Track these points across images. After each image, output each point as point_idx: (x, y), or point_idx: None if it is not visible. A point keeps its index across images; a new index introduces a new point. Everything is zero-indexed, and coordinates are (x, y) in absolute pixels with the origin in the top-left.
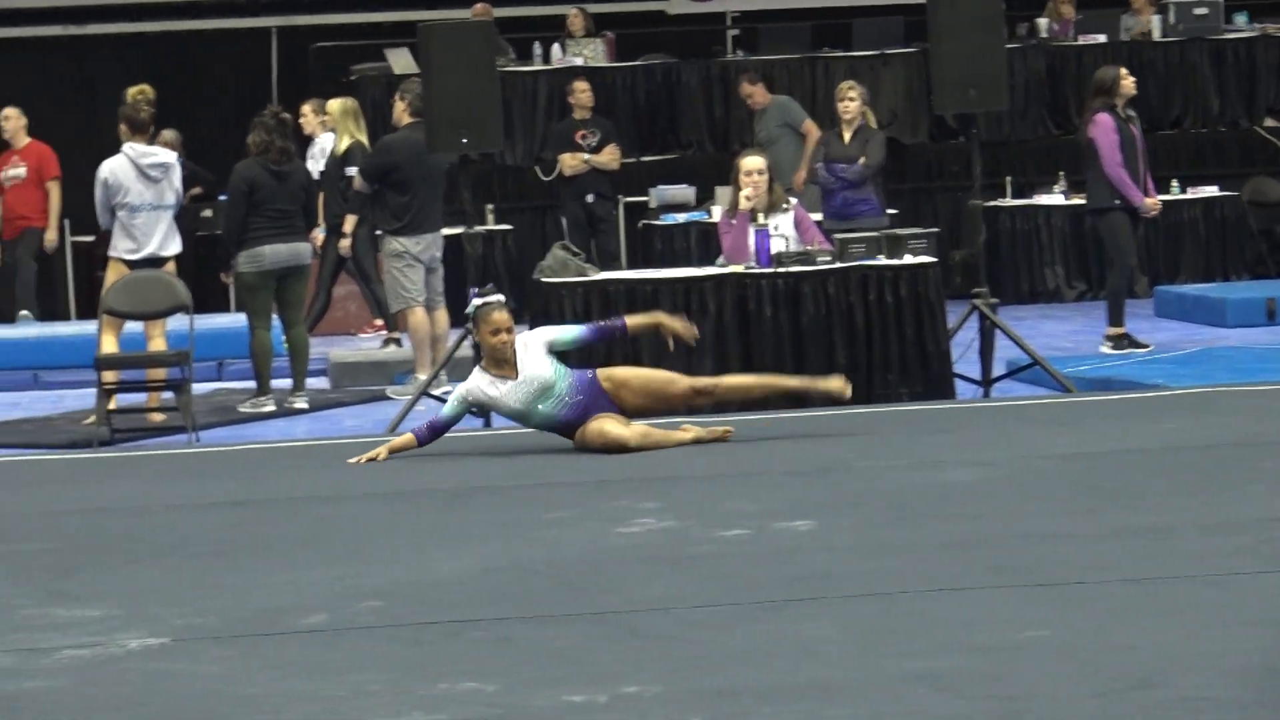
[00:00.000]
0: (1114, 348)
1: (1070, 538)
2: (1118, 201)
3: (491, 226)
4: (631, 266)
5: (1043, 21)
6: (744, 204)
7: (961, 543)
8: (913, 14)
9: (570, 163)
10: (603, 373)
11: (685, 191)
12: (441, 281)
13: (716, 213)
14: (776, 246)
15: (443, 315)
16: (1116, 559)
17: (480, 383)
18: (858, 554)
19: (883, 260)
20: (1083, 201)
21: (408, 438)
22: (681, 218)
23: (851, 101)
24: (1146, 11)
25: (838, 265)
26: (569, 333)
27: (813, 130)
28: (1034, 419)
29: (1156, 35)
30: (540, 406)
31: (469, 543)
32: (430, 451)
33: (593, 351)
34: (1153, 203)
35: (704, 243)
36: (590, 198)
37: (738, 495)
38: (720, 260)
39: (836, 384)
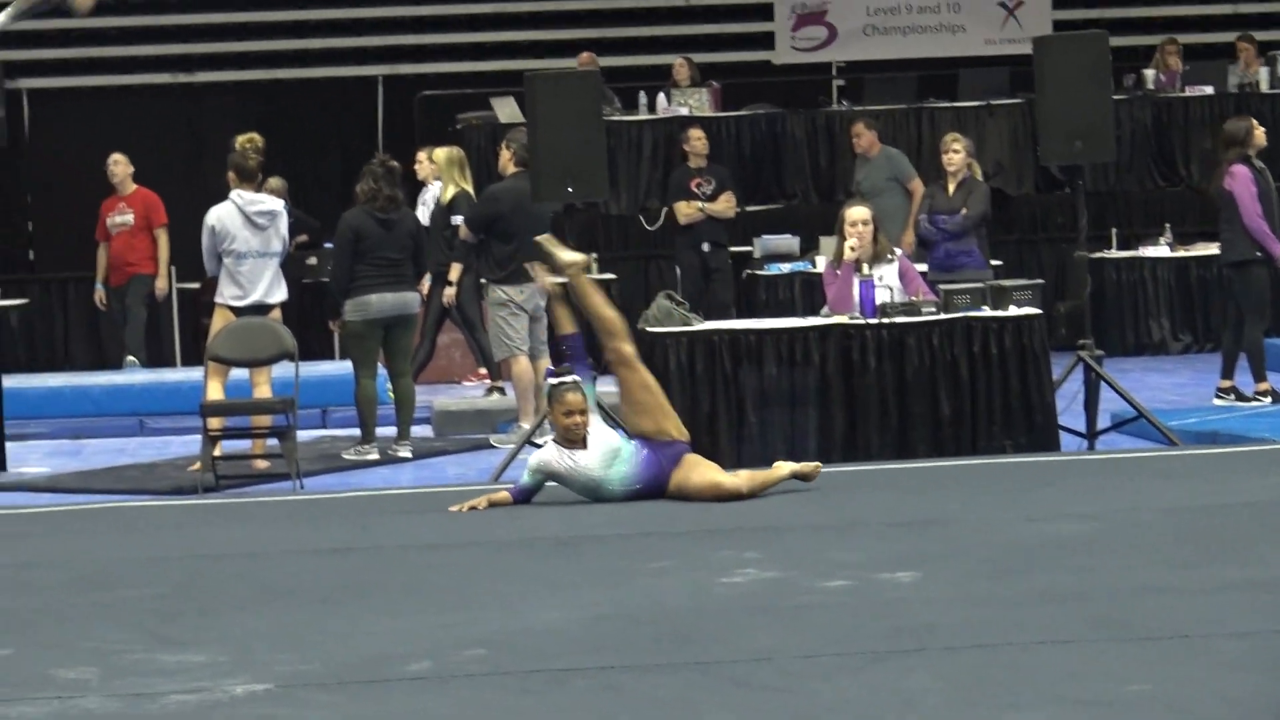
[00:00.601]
0: (1274, 400)
1: (1175, 591)
2: (1259, 254)
3: (596, 275)
4: (736, 317)
5: (1149, 73)
6: (849, 254)
7: (1065, 596)
8: (1018, 65)
9: (685, 211)
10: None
11: (789, 242)
12: (545, 330)
13: (821, 263)
14: (881, 297)
15: (546, 364)
16: (1221, 613)
17: (552, 456)
18: (960, 606)
19: (987, 312)
20: (1189, 254)
21: (504, 494)
22: (786, 268)
23: (956, 154)
24: (1254, 63)
25: (942, 316)
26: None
27: (919, 189)
28: (1139, 472)
29: (1264, 86)
30: (614, 470)
31: (573, 591)
32: (534, 500)
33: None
34: None
35: (808, 293)
36: (706, 246)
37: (841, 546)
38: (825, 311)
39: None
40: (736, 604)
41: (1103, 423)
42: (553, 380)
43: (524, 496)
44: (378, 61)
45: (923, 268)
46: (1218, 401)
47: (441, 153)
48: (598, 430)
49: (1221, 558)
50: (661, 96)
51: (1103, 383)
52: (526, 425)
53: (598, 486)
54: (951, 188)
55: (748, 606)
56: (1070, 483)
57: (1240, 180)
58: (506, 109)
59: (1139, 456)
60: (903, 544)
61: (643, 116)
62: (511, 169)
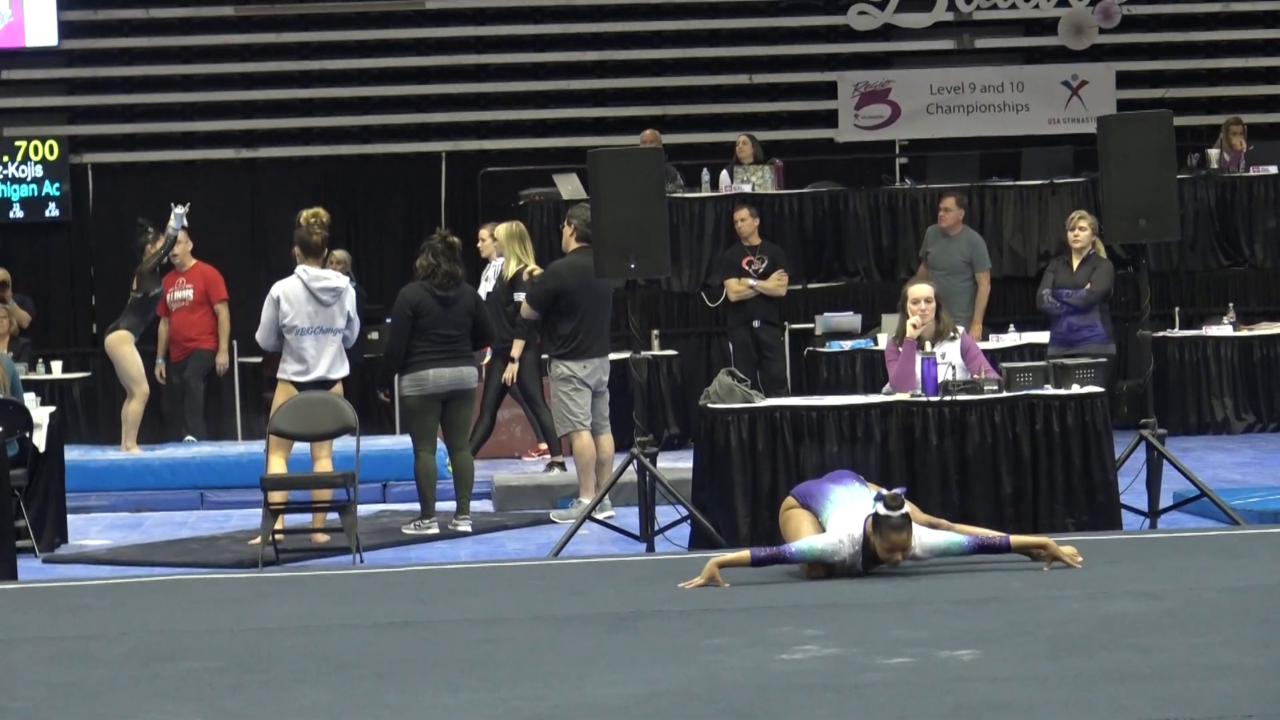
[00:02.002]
0: None
1: (1239, 670)
2: None
3: (657, 352)
4: (797, 393)
5: (1213, 152)
6: (911, 332)
7: (1128, 675)
8: (1082, 143)
9: (736, 288)
10: None
11: (851, 319)
12: (607, 405)
13: (883, 340)
14: (943, 375)
15: (608, 439)
16: None
17: (840, 549)
18: (1022, 684)
19: (1050, 390)
20: (1252, 333)
21: (743, 555)
22: (847, 345)
23: (1082, 230)
24: None
25: (1005, 394)
26: (953, 543)
27: (986, 281)
28: (1201, 551)
29: None
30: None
31: (632, 667)
32: (593, 576)
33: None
34: None
35: (869, 370)
36: (757, 323)
37: (901, 623)
38: (886, 388)
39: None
40: (796, 681)
41: (1165, 501)
42: (882, 509)
43: (777, 561)
44: (441, 138)
45: (1041, 338)
46: None
47: (503, 228)
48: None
49: None
50: (724, 174)
51: (1165, 461)
52: (587, 500)
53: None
54: (1076, 263)
55: (807, 684)
56: (1132, 561)
57: None
58: (569, 185)
59: (1202, 535)
60: (964, 622)
61: (705, 194)
62: (574, 245)
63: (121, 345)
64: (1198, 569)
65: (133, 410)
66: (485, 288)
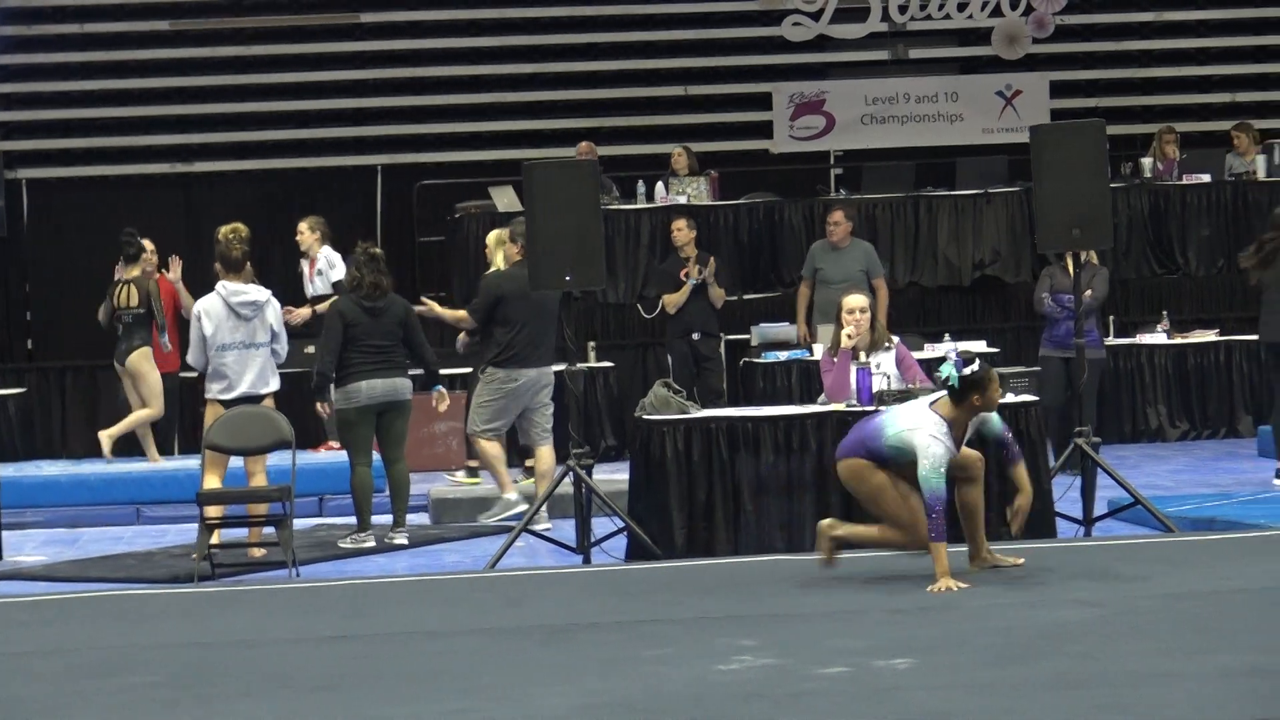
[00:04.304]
0: None
1: (1176, 677)
2: None
3: (593, 364)
4: (733, 404)
5: (1146, 161)
6: (846, 342)
7: (1066, 682)
8: (1016, 153)
9: (673, 300)
10: None
11: (787, 329)
12: (549, 418)
13: (818, 351)
14: (878, 385)
15: (548, 451)
16: (1223, 699)
17: (944, 438)
18: (958, 693)
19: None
20: (1186, 341)
21: (942, 547)
22: (783, 356)
23: None
24: (1251, 151)
25: None
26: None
27: (884, 289)
28: (1137, 558)
29: (1261, 175)
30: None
31: (571, 679)
32: (530, 589)
33: None
34: None
35: (805, 381)
36: (696, 335)
37: (839, 633)
38: (822, 398)
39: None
40: (733, 691)
41: (1099, 509)
42: (974, 368)
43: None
44: (377, 151)
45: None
46: (1278, 483)
47: (492, 235)
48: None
49: (1221, 644)
50: (660, 185)
51: (1100, 469)
52: (509, 495)
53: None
54: (1072, 268)
55: (745, 694)
56: (1068, 569)
57: None
58: (505, 198)
59: (1136, 543)
60: (902, 631)
61: (641, 205)
62: (517, 257)
63: (144, 362)
64: (1133, 577)
65: (144, 419)
66: (320, 283)
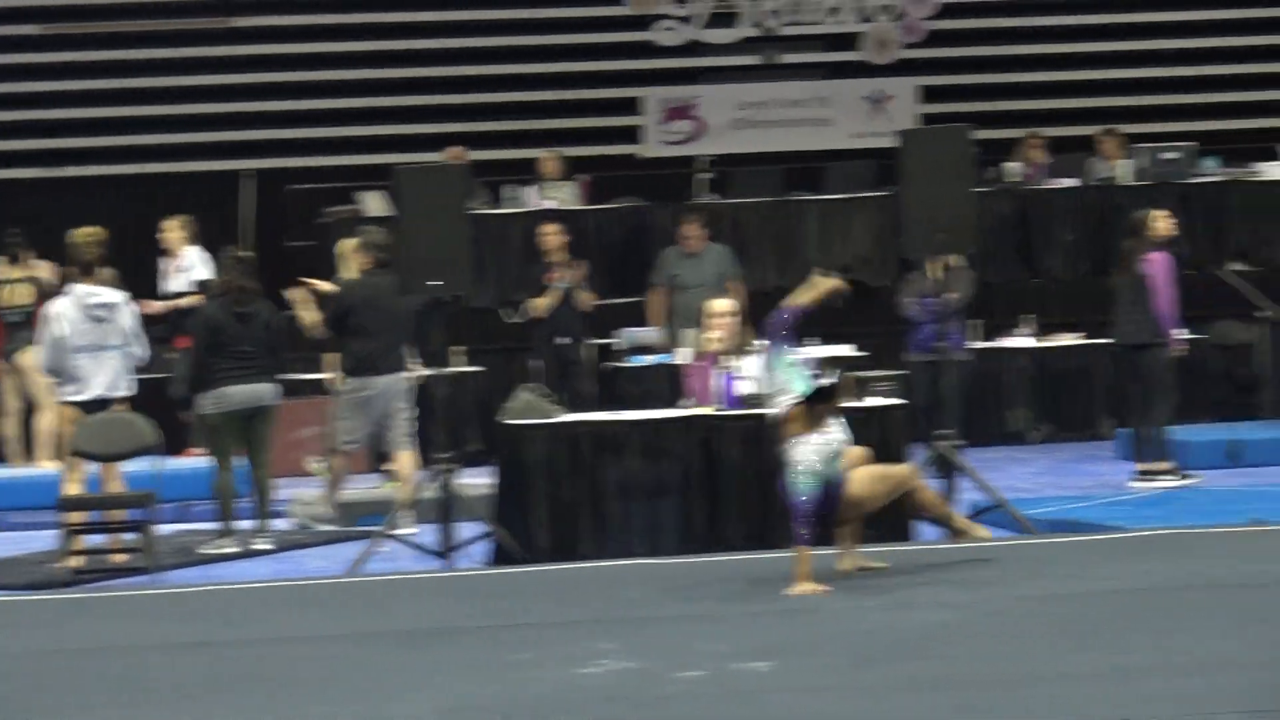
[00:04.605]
0: (1169, 479)
1: (1035, 678)
2: (1159, 338)
3: (461, 369)
4: (599, 408)
5: (1013, 166)
6: (712, 346)
7: (926, 684)
8: (884, 158)
9: (540, 304)
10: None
11: (653, 334)
12: (406, 422)
13: (683, 355)
14: (743, 389)
15: (409, 456)
16: (1081, 700)
17: (816, 447)
18: (819, 695)
19: (849, 402)
20: (1050, 344)
21: (804, 551)
22: (649, 360)
23: None
24: (1116, 156)
25: None
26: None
27: (741, 290)
28: (998, 561)
29: (1126, 180)
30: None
31: (432, 684)
32: (393, 593)
33: None
34: (1181, 344)
35: (671, 385)
36: (563, 340)
37: (700, 636)
38: (687, 402)
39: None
40: (595, 695)
41: (962, 512)
42: (826, 381)
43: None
44: (246, 155)
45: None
46: (1135, 485)
47: (348, 242)
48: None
49: (1081, 645)
50: (529, 190)
51: (962, 472)
52: (323, 509)
53: (840, 453)
54: (938, 272)
55: (606, 697)
56: (930, 571)
57: (1159, 265)
58: (374, 203)
59: (997, 545)
60: (763, 633)
61: (509, 210)
62: (365, 265)
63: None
64: (994, 579)
65: (52, 426)
66: (177, 282)
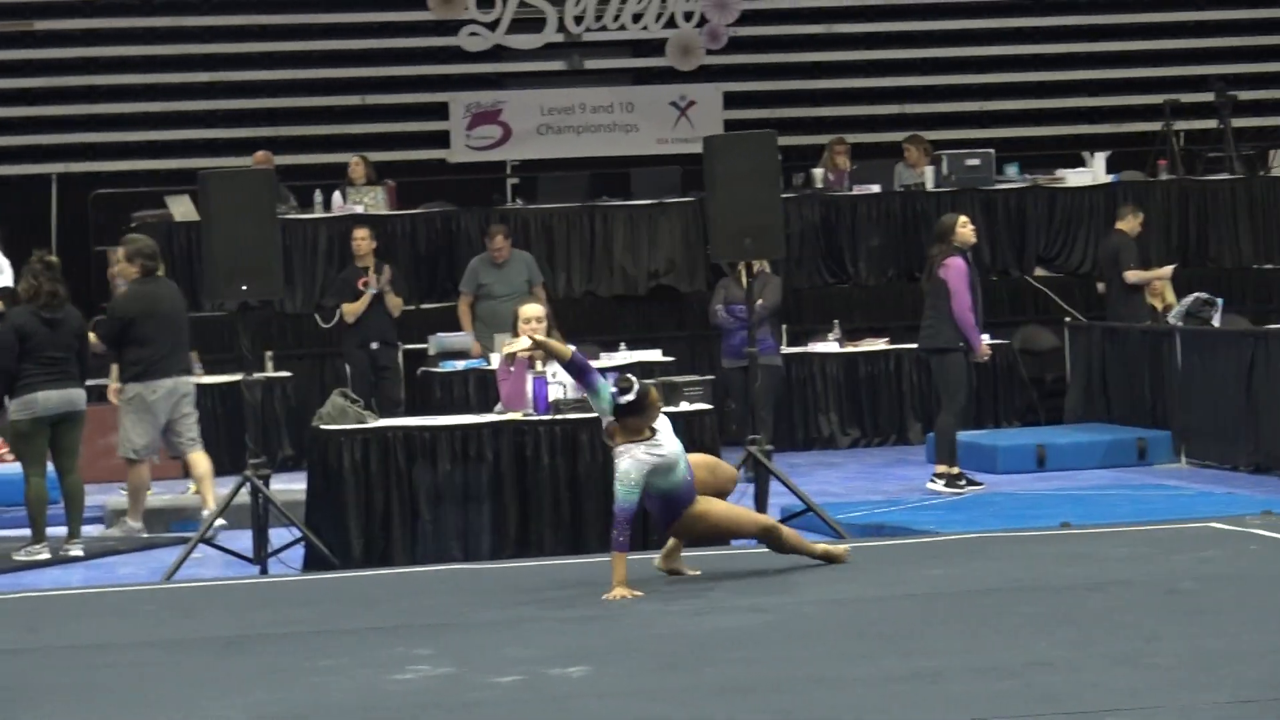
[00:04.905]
0: (947, 485)
1: (842, 683)
2: (960, 344)
3: (271, 374)
4: (410, 414)
5: (818, 172)
6: (522, 351)
7: (734, 688)
8: (690, 164)
9: (351, 309)
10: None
11: (464, 339)
12: (194, 425)
13: (495, 360)
14: (554, 394)
15: (201, 457)
16: (884, 703)
17: (642, 457)
18: (630, 700)
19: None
20: (857, 350)
21: (620, 556)
22: (460, 365)
23: None
24: (920, 163)
25: None
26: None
27: (542, 294)
28: (806, 565)
29: (930, 186)
30: (683, 460)
31: (243, 691)
32: (205, 600)
33: None
34: (985, 348)
35: (482, 390)
36: (374, 344)
37: (512, 641)
38: (498, 408)
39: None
40: (407, 701)
41: (773, 516)
42: (632, 397)
43: (632, 525)
44: (51, 159)
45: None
46: (934, 486)
47: (123, 249)
48: (661, 422)
49: (887, 649)
50: (337, 195)
51: (773, 476)
52: (133, 523)
53: (675, 466)
54: (745, 278)
55: (419, 703)
56: (739, 576)
57: (955, 271)
58: (181, 207)
59: None
60: (574, 639)
61: (318, 215)
62: (134, 274)
63: None
64: (801, 583)
65: None
66: None
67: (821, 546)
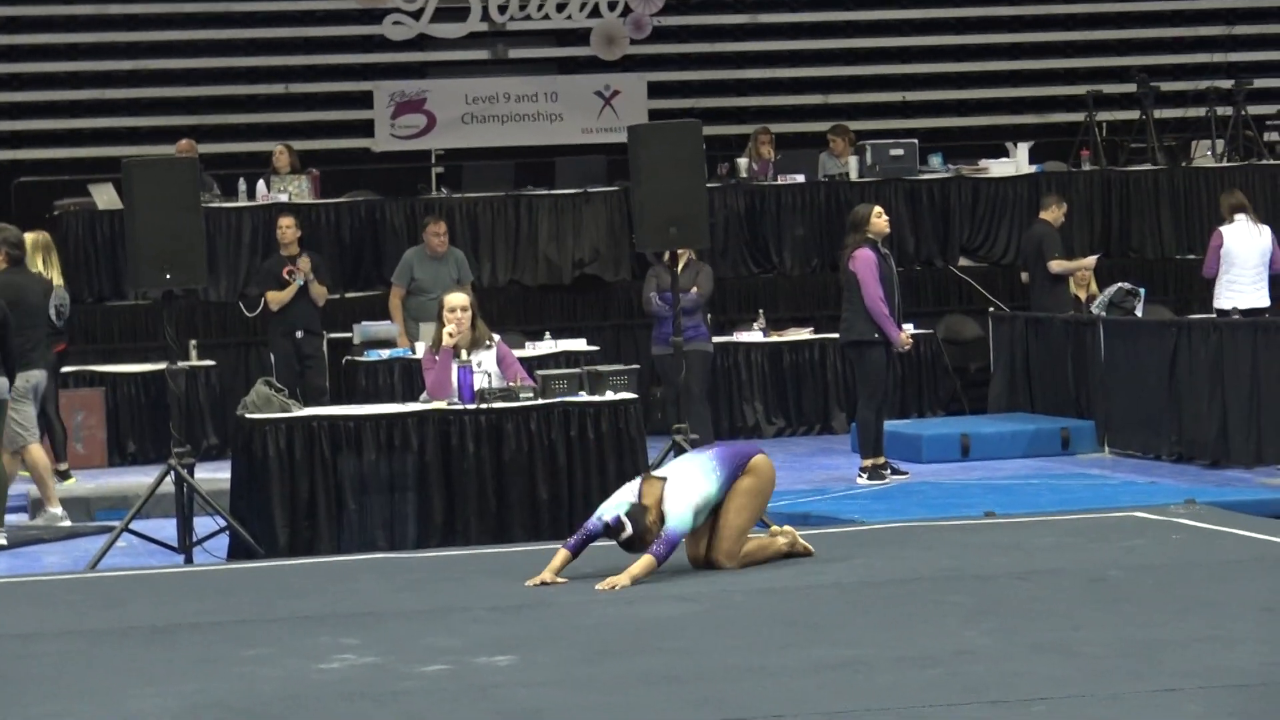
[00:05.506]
0: (870, 477)
1: (766, 671)
2: (876, 335)
3: (195, 362)
4: (335, 403)
5: (742, 161)
6: (447, 340)
7: (661, 677)
8: (615, 153)
9: (276, 298)
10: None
11: (389, 328)
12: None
13: (420, 349)
14: (479, 383)
15: (39, 450)
16: (811, 693)
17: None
18: (558, 689)
19: (585, 397)
20: (782, 339)
21: (563, 554)
22: (385, 354)
23: None
24: (845, 153)
25: (540, 402)
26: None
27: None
28: None
29: (854, 176)
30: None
31: (168, 680)
32: (130, 589)
33: None
34: (906, 338)
35: (408, 379)
36: (299, 333)
37: (439, 631)
38: (423, 397)
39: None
40: (333, 690)
41: None
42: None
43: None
44: None
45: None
46: (860, 480)
47: (29, 237)
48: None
49: (813, 638)
50: (261, 183)
51: None
52: (54, 509)
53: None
54: (678, 267)
55: (345, 693)
56: (667, 566)
57: (864, 263)
58: (105, 195)
59: None
60: (501, 628)
61: (242, 203)
62: (1, 265)
63: None
64: (727, 572)
65: None
66: None
67: (782, 541)
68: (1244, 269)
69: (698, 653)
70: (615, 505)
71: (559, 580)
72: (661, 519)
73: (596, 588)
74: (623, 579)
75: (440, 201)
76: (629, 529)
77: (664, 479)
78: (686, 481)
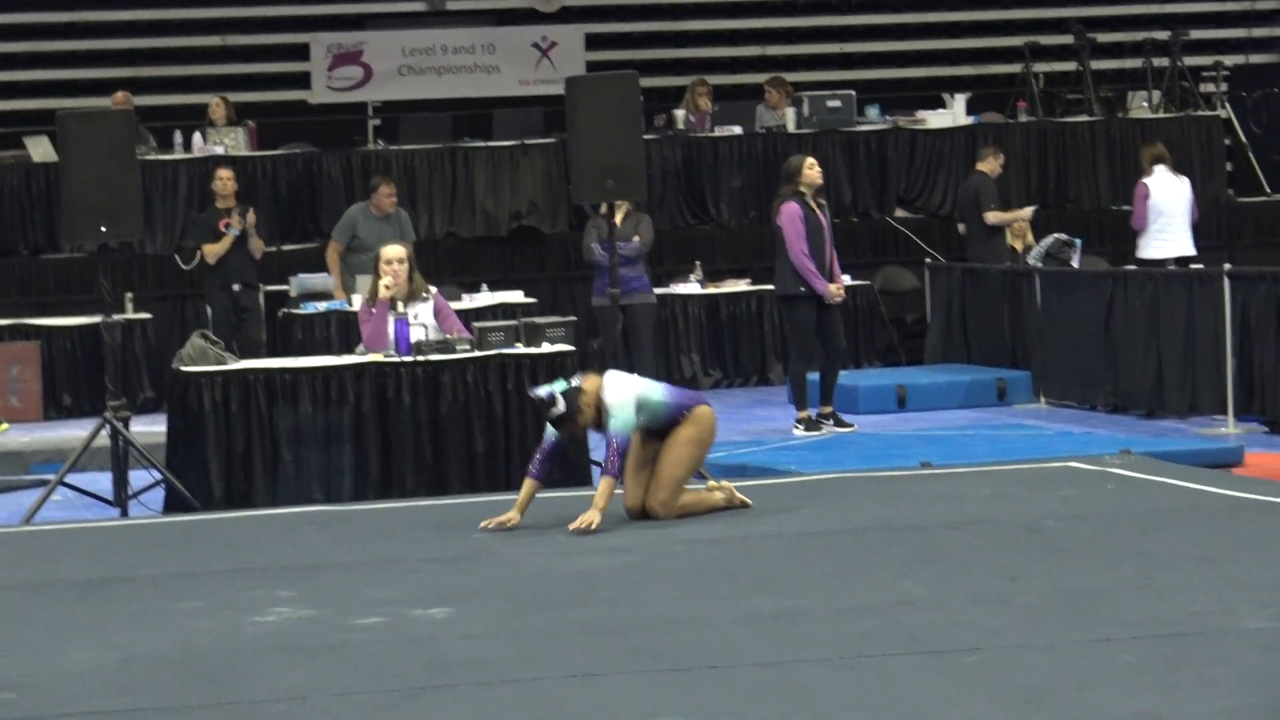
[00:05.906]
0: (806, 429)
1: (704, 622)
2: (803, 289)
3: (131, 315)
4: (272, 355)
5: (680, 113)
6: (383, 293)
7: (598, 628)
8: (552, 105)
9: (213, 250)
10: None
11: (326, 280)
12: None
13: (357, 301)
14: (416, 335)
15: None
16: (749, 643)
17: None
18: (495, 641)
19: (521, 349)
20: (718, 291)
21: (530, 484)
22: (322, 306)
23: None
24: (782, 104)
25: (477, 354)
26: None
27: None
28: None
29: (791, 127)
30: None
31: (103, 634)
32: (65, 543)
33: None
34: (836, 289)
35: (344, 332)
36: (236, 286)
37: (374, 583)
38: (360, 349)
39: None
40: (269, 643)
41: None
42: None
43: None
44: None
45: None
46: (797, 432)
47: None
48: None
49: (749, 588)
50: (197, 136)
51: None
52: None
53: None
54: (619, 217)
55: (280, 645)
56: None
57: (788, 216)
58: (40, 148)
59: None
60: (436, 580)
61: (178, 156)
62: None
63: None
64: (665, 523)
65: None
66: None
67: (719, 495)
68: (1171, 218)
69: (635, 603)
70: (550, 384)
71: (515, 521)
72: (599, 410)
73: (570, 528)
74: (592, 514)
75: (377, 154)
76: (561, 405)
77: (605, 373)
78: (628, 378)
